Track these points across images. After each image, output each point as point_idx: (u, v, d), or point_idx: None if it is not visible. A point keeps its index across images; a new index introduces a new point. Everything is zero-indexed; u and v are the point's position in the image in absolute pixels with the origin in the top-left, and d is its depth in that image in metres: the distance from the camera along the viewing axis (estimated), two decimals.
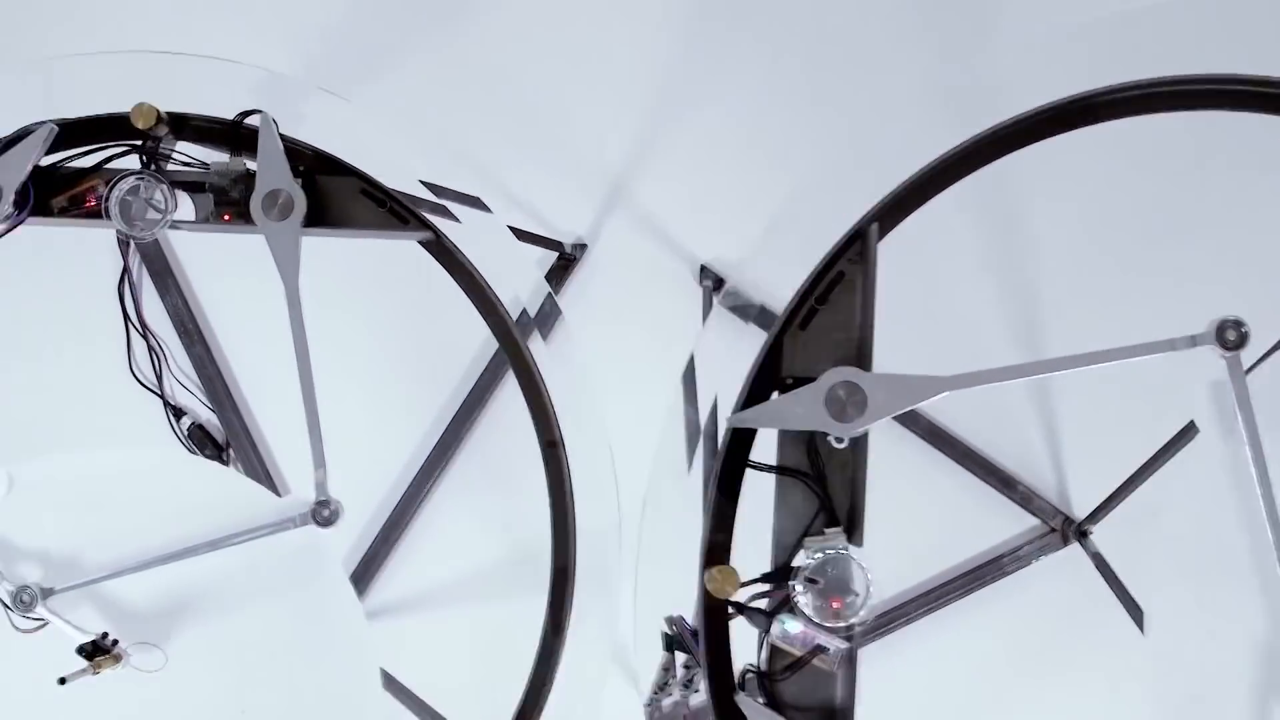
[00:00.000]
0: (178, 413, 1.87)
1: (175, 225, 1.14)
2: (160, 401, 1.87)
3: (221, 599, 1.12)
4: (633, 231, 1.87)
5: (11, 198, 1.11)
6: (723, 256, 1.88)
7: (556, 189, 1.87)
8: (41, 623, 1.10)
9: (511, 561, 1.81)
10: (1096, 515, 1.76)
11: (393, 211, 1.16)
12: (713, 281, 1.80)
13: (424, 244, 1.18)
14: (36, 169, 1.13)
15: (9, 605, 1.10)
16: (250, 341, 1.88)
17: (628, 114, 1.90)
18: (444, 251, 1.17)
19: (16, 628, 1.11)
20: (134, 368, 1.86)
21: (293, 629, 1.11)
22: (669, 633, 1.06)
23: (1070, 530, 1.79)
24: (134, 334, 1.85)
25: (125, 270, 1.85)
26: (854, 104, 1.87)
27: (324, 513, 1.08)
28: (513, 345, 1.14)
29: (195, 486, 1.13)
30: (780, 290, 1.80)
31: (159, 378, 1.85)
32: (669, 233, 1.86)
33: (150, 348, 1.84)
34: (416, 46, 1.89)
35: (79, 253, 1.87)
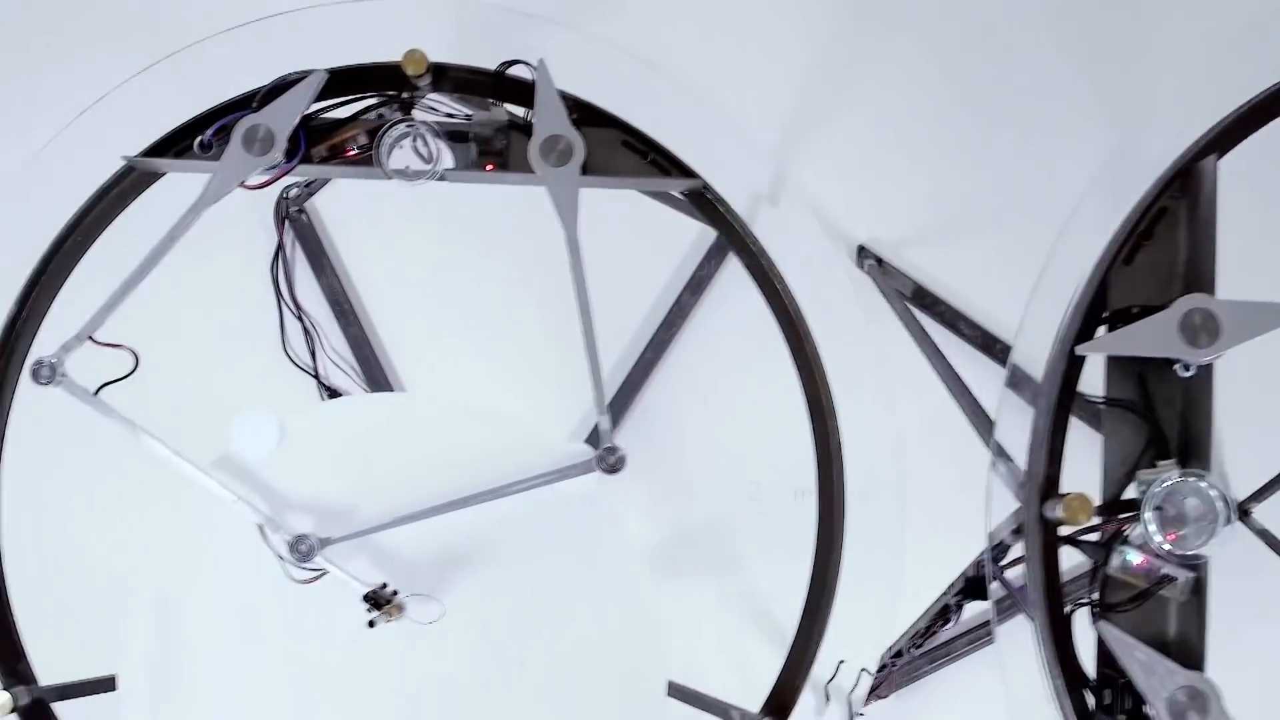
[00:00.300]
0: (332, 394, 1.86)
1: (443, 176, 1.13)
2: (315, 382, 1.86)
3: (496, 549, 1.10)
4: (788, 211, 1.86)
5: (284, 145, 1.09)
6: (879, 238, 1.88)
7: (711, 170, 1.86)
8: (318, 573, 1.08)
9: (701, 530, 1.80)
10: (1261, 495, 1.76)
11: (654, 163, 1.15)
12: (875, 261, 1.80)
13: (686, 194, 1.17)
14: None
15: (286, 556, 1.07)
16: (406, 321, 1.87)
17: (779, 97, 1.91)
18: (706, 203, 1.17)
19: (292, 578, 1.08)
20: (287, 348, 1.85)
21: (573, 579, 1.10)
22: (973, 575, 1.05)
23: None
24: (288, 314, 1.84)
25: (279, 248, 1.84)
26: (1007, 93, 1.89)
27: (610, 459, 1.07)
28: (786, 316, 1.14)
29: (465, 435, 1.11)
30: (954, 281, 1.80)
31: (313, 358, 1.84)
32: (825, 213, 1.86)
33: (305, 328, 1.83)
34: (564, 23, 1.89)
35: (230, 231, 1.85)
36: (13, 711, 1.09)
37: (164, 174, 1.17)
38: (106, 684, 1.10)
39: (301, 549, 1.06)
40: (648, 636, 1.08)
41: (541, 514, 1.09)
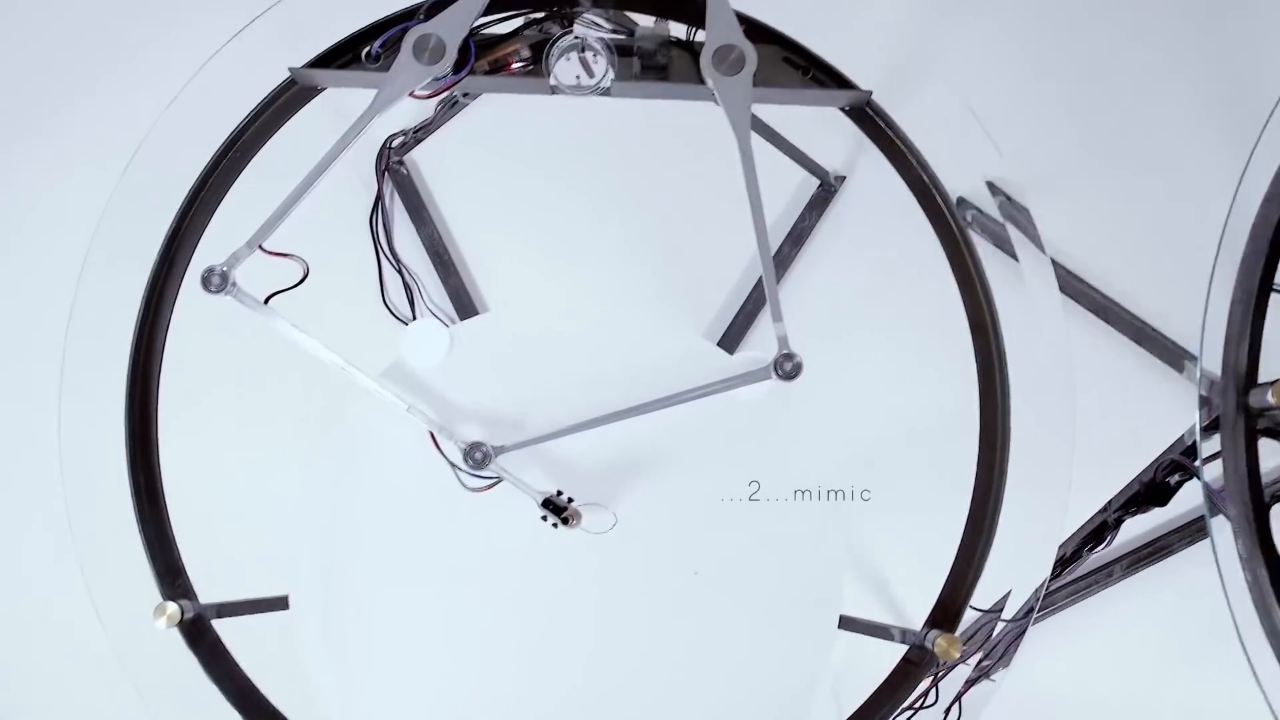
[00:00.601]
0: None
1: (608, 89, 1.13)
2: None
3: (668, 458, 1.10)
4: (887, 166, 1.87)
5: (454, 55, 1.09)
6: (977, 190, 1.88)
7: (812, 121, 1.87)
8: (492, 481, 1.07)
9: None
10: None
11: (815, 79, 1.16)
12: (976, 211, 1.80)
13: (846, 110, 1.17)
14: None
15: (460, 464, 1.07)
16: (504, 272, 1.87)
17: (878, 44, 1.91)
18: (867, 118, 1.17)
19: (465, 486, 1.08)
20: (387, 300, 1.84)
21: (746, 488, 1.09)
22: (1150, 480, 1.05)
23: None
24: (387, 266, 1.84)
25: (378, 198, 1.84)
26: (1105, 45, 1.90)
27: (787, 366, 1.07)
28: (949, 231, 1.14)
29: (636, 345, 1.11)
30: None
31: (412, 309, 1.83)
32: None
33: (404, 281, 1.83)
34: None
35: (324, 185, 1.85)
36: (178, 624, 1.08)
37: (323, 89, 1.16)
38: (278, 603, 1.08)
39: (476, 456, 1.06)
40: (817, 547, 1.07)
41: (710, 423, 1.09)
